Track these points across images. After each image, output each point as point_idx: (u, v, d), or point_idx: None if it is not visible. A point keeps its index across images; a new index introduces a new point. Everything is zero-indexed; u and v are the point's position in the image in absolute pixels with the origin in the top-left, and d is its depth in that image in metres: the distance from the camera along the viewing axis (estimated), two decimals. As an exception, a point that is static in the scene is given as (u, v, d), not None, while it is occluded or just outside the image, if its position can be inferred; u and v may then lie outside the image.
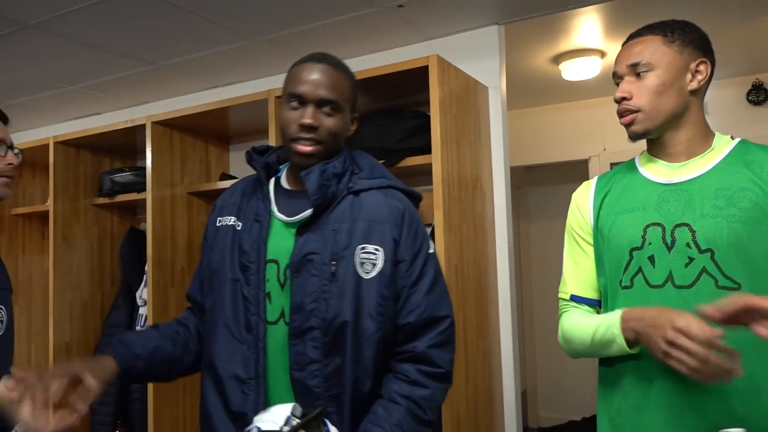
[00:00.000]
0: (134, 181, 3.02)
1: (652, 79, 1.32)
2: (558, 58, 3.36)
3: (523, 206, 5.34)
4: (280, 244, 1.35)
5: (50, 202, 3.04)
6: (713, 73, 1.37)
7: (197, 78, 3.13)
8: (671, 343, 1.15)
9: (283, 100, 1.37)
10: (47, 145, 3.04)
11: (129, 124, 2.86)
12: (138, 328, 2.92)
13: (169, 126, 2.84)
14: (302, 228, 1.34)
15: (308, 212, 1.35)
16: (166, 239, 2.80)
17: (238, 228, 1.40)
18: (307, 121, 1.32)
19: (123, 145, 3.18)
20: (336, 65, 1.39)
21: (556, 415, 4.95)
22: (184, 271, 2.86)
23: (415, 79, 2.19)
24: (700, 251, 1.25)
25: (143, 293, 2.95)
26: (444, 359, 1.36)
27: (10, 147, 1.64)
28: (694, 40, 1.34)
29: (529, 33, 2.91)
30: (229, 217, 1.43)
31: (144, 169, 2.91)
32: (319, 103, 1.34)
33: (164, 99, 3.44)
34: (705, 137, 1.35)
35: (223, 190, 2.67)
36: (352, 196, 1.38)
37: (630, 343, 1.27)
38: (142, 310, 2.95)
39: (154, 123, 2.78)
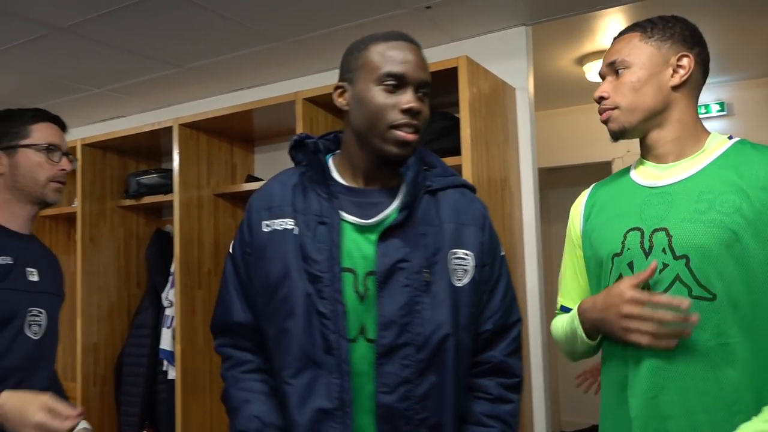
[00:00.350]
0: (160, 183, 3.04)
1: (628, 76, 1.28)
2: (582, 59, 3.35)
3: (544, 208, 5.31)
4: (355, 250, 1.18)
5: (78, 203, 3.06)
6: (707, 69, 1.31)
7: (222, 80, 3.15)
8: (628, 317, 1.16)
9: (369, 80, 1.19)
10: (74, 148, 3.07)
11: (156, 126, 2.88)
12: (164, 329, 2.94)
13: (196, 128, 2.86)
14: (386, 232, 1.18)
15: (396, 212, 1.20)
16: (193, 241, 2.82)
17: (296, 233, 1.20)
18: (416, 104, 1.17)
19: (148, 147, 3.20)
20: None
21: (578, 419, 4.91)
22: (211, 272, 2.87)
23: (443, 80, 2.18)
24: (675, 257, 1.18)
25: (169, 294, 2.97)
26: (519, 367, 1.30)
27: (65, 154, 1.67)
28: (675, 34, 1.28)
29: (553, 34, 2.90)
30: (284, 220, 1.22)
31: (169, 171, 2.94)
32: (418, 87, 1.19)
33: (188, 101, 3.46)
34: (695, 137, 1.28)
35: (250, 192, 2.70)
36: (428, 195, 1.25)
37: (590, 334, 1.29)
38: (168, 311, 2.97)
39: (181, 125, 2.80)
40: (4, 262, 1.52)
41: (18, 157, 1.60)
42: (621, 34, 1.35)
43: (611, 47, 1.35)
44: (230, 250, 1.33)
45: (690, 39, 1.29)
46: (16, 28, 2.41)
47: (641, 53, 1.28)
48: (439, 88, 2.30)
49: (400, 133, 1.17)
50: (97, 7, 2.26)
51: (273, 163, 3.09)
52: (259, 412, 1.20)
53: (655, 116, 1.28)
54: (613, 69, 1.32)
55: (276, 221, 1.23)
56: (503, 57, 2.56)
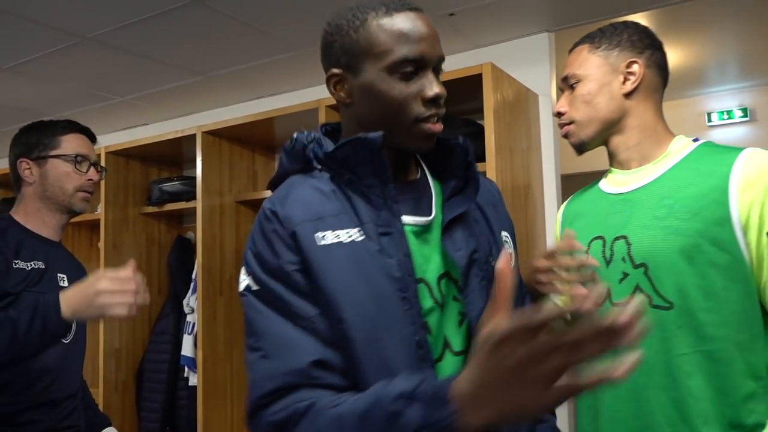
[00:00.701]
0: (182, 190, 3.06)
1: (580, 90, 1.29)
2: (604, 66, 3.32)
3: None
4: (419, 255, 0.99)
5: (101, 210, 3.10)
6: (664, 70, 1.30)
7: (244, 88, 3.17)
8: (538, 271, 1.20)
9: (378, 68, 0.97)
10: (98, 155, 3.09)
11: (179, 134, 2.90)
12: (186, 335, 2.95)
13: (218, 136, 2.88)
14: (448, 227, 1.01)
15: (439, 205, 1.05)
16: (215, 248, 2.83)
17: (370, 246, 0.97)
18: (441, 90, 0.98)
19: (170, 155, 3.23)
20: None
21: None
22: (233, 279, 2.88)
23: (467, 86, 2.19)
24: (634, 266, 1.16)
25: (190, 301, 2.98)
26: None
27: (94, 164, 1.69)
28: (623, 41, 1.27)
29: (575, 39, 2.88)
30: (350, 230, 0.97)
31: (191, 178, 2.96)
32: (436, 65, 1.01)
33: (210, 109, 3.49)
34: (658, 141, 1.27)
35: (271, 198, 2.71)
36: None
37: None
38: (189, 318, 2.98)
39: (204, 133, 2.82)
40: (36, 267, 1.55)
41: (48, 166, 1.63)
42: (572, 48, 1.36)
43: (567, 61, 1.35)
44: (251, 287, 0.98)
45: (639, 44, 1.28)
46: (44, 37, 2.44)
47: (590, 65, 1.29)
48: (462, 94, 2.31)
49: (428, 126, 0.99)
50: (124, 17, 2.29)
51: (294, 170, 3.09)
52: (398, 386, 0.79)
53: (612, 125, 1.28)
54: (567, 84, 1.33)
55: (341, 231, 0.96)
56: (526, 63, 2.55)
